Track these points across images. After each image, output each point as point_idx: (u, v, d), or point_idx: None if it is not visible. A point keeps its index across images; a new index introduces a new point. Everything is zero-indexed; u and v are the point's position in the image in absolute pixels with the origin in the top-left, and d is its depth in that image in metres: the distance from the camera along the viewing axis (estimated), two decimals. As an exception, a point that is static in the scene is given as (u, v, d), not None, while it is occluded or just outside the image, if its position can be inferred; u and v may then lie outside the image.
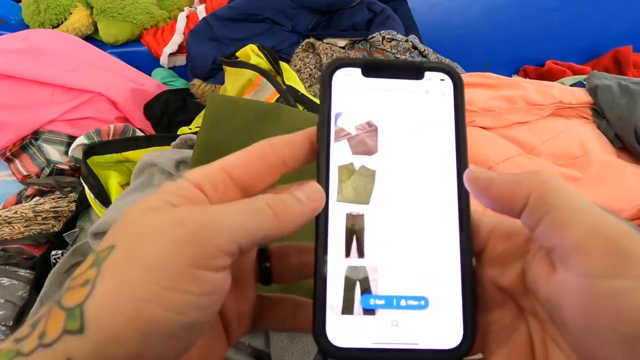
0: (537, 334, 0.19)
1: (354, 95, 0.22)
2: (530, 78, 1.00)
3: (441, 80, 0.22)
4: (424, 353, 0.20)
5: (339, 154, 0.21)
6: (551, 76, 0.97)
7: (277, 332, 0.46)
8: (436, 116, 0.22)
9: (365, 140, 0.21)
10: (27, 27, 1.04)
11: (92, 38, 1.07)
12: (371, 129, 0.21)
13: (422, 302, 0.20)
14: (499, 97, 0.63)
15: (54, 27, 1.04)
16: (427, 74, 0.22)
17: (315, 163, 0.21)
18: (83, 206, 0.66)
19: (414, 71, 0.22)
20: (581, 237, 0.16)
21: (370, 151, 0.21)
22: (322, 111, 0.21)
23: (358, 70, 0.22)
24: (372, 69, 0.22)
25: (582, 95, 0.64)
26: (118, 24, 1.03)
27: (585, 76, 0.73)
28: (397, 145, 0.21)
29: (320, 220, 0.20)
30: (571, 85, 0.71)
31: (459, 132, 0.22)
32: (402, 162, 0.21)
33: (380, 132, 0.21)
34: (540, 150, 0.60)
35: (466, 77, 0.68)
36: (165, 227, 0.16)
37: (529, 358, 0.19)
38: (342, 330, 0.19)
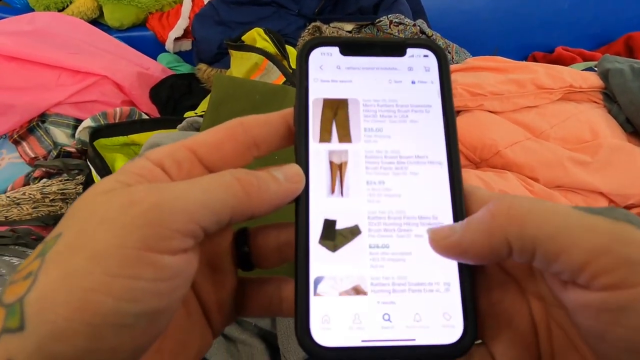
0: (541, 317, 0.18)
1: (332, 75, 0.20)
2: (540, 63, 0.98)
3: (424, 56, 0.21)
4: (422, 349, 0.18)
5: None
6: (561, 62, 0.95)
7: (263, 318, 0.45)
8: (421, 93, 0.21)
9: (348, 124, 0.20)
10: (32, 10, 1.04)
11: (97, 22, 1.07)
12: (353, 109, 0.20)
13: (420, 291, 0.18)
14: (508, 81, 0.62)
15: (59, 11, 1.03)
16: (410, 50, 0.21)
17: (293, 147, 0.20)
18: (90, 188, 0.66)
19: (395, 48, 0.21)
20: (579, 262, 0.15)
21: (352, 137, 0.20)
22: (299, 93, 0.20)
23: (336, 49, 0.21)
24: (351, 47, 0.21)
25: (593, 79, 0.63)
26: (123, 8, 1.02)
27: (595, 62, 0.72)
28: (381, 127, 0.20)
29: (301, 208, 0.19)
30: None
31: (446, 109, 0.20)
32: (388, 144, 0.20)
33: (363, 114, 0.20)
34: (549, 135, 0.59)
35: (475, 60, 0.67)
36: (115, 210, 0.15)
37: (532, 343, 0.18)
38: (327, 327, 0.18)
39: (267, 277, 0.22)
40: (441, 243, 0.17)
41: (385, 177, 0.20)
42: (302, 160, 0.19)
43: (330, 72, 0.21)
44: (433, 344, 0.18)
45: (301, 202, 0.19)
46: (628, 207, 0.58)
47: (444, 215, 0.19)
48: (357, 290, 0.18)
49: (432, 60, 0.21)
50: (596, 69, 0.66)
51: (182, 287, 0.16)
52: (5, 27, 0.82)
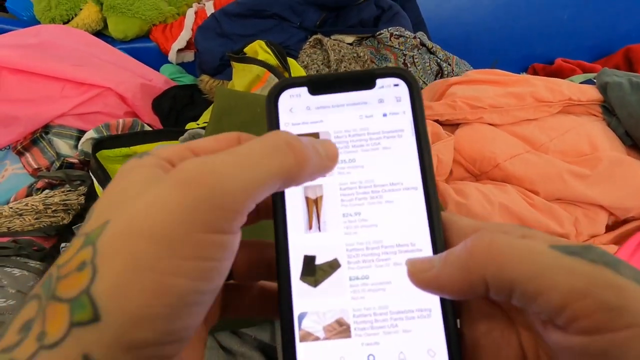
0: (530, 347, 0.18)
1: (303, 117, 0.20)
2: (539, 76, 0.99)
3: (395, 85, 0.21)
4: None
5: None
6: (560, 74, 0.96)
7: (243, 318, 0.44)
8: (394, 125, 0.20)
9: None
10: (38, 22, 1.05)
11: (101, 34, 1.08)
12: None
13: (403, 333, 0.18)
14: (507, 94, 0.62)
15: (64, 23, 1.05)
16: (379, 81, 0.21)
17: None
18: (92, 199, 0.67)
19: (363, 80, 0.20)
20: (557, 304, 0.14)
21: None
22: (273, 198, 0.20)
23: (304, 89, 0.20)
24: (318, 85, 0.21)
25: (591, 92, 0.64)
26: (127, 20, 1.03)
27: (595, 74, 0.73)
28: (354, 157, 0.20)
29: (280, 247, 0.19)
30: (581, 83, 0.70)
31: (420, 138, 0.20)
32: (361, 174, 0.20)
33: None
34: (548, 148, 0.59)
35: (474, 73, 0.67)
36: (170, 192, 0.15)
37: None
38: None
39: (250, 284, 0.22)
40: (419, 277, 0.17)
41: (361, 208, 0.20)
42: (278, 198, 0.19)
43: (300, 114, 0.20)
44: None
45: (280, 241, 0.19)
46: (628, 220, 0.58)
47: (422, 242, 0.19)
48: (340, 323, 0.19)
49: (402, 89, 0.21)
50: (595, 81, 0.67)
51: (231, 262, 0.16)
52: (11, 40, 0.83)
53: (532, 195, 0.56)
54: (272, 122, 0.20)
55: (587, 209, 0.56)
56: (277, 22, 0.94)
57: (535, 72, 1.06)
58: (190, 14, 1.06)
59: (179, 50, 1.05)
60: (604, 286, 0.14)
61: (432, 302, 0.19)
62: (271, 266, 0.20)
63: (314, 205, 0.20)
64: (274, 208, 0.20)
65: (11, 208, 0.64)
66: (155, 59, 1.05)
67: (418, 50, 0.86)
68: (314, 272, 0.19)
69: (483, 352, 0.18)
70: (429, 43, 0.86)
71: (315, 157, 0.17)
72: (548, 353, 0.17)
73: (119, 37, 1.05)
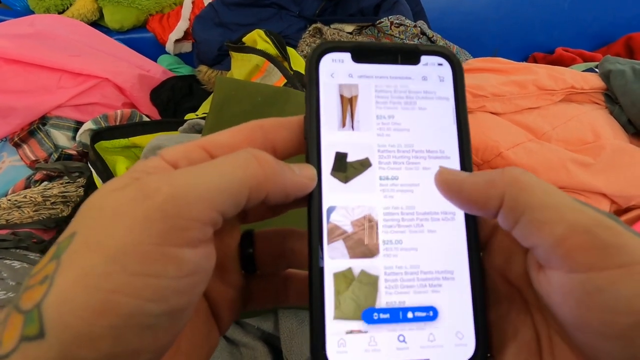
0: (543, 328, 0.18)
1: (343, 83, 0.20)
2: (541, 64, 0.98)
3: (439, 64, 0.21)
4: None
5: (330, 150, 0.19)
6: (561, 63, 0.95)
7: (268, 308, 0.45)
8: (435, 104, 0.20)
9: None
10: (32, 13, 1.04)
11: (97, 24, 1.07)
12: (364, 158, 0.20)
13: (431, 313, 0.18)
14: (510, 82, 0.62)
15: (59, 13, 1.03)
16: (424, 58, 0.20)
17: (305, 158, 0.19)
18: (91, 191, 0.66)
19: (408, 55, 0.20)
20: (560, 235, 0.15)
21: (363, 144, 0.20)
22: (309, 102, 0.19)
23: (347, 55, 0.20)
24: (363, 53, 0.20)
25: (594, 81, 0.63)
26: (123, 10, 1.02)
27: (596, 63, 0.72)
28: (393, 136, 0.20)
29: (314, 218, 0.18)
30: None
31: (460, 122, 0.20)
32: (399, 154, 0.20)
33: (378, 124, 0.20)
34: (551, 136, 0.59)
35: (476, 62, 0.67)
36: (128, 205, 0.14)
37: (536, 354, 0.18)
38: (344, 349, 0.17)
39: (271, 274, 0.22)
40: (445, 177, 0.18)
41: (394, 112, 0.20)
42: (314, 156, 0.19)
43: (341, 79, 0.20)
44: None
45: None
46: (630, 208, 0.58)
47: (451, 151, 0.20)
48: (369, 220, 0.19)
49: (446, 70, 0.21)
50: (597, 69, 0.66)
51: (202, 283, 0.16)
52: (5, 30, 0.82)
53: (534, 184, 0.56)
54: (312, 84, 0.19)
55: (589, 197, 0.56)
56: (275, 10, 0.93)
57: (535, 62, 1.05)
58: (187, 4, 1.05)
59: (177, 41, 1.04)
60: (605, 227, 0.15)
61: (464, 291, 0.19)
62: (295, 254, 0.20)
63: (348, 103, 0.20)
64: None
65: (9, 200, 0.64)
66: (152, 49, 1.04)
67: (418, 39, 0.85)
68: (345, 168, 0.19)
69: (501, 333, 0.19)
70: (429, 32, 0.85)
71: (288, 172, 0.17)
72: (560, 333, 0.17)
73: (115, 28, 1.03)
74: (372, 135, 0.20)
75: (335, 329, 0.18)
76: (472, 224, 0.19)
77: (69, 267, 0.14)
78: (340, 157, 0.19)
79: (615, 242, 0.15)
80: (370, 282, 0.18)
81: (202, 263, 0.15)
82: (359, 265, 0.18)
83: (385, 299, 0.18)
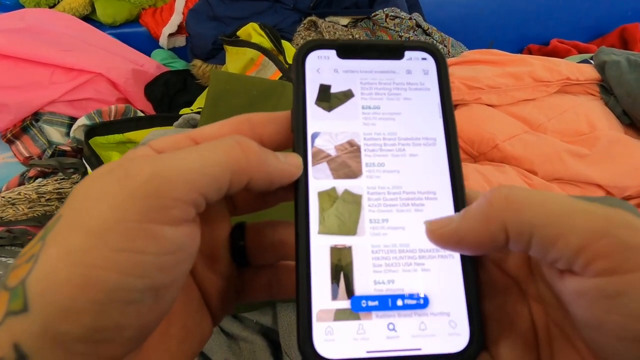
0: (540, 319, 0.18)
1: (330, 79, 0.21)
2: (537, 55, 0.98)
3: (423, 59, 0.21)
4: (428, 359, 0.17)
5: (316, 144, 0.19)
6: (556, 55, 0.95)
7: (262, 300, 0.45)
8: (420, 97, 0.21)
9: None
10: (22, 7, 1.02)
11: (89, 19, 1.05)
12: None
13: (422, 301, 0.18)
14: (505, 74, 0.62)
15: (50, 8, 1.02)
16: (408, 53, 0.21)
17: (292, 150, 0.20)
18: (86, 187, 0.66)
19: (392, 50, 0.21)
20: (576, 245, 0.14)
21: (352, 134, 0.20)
22: (296, 97, 0.20)
23: (333, 52, 0.21)
24: (348, 50, 0.21)
25: (589, 72, 0.63)
26: (116, 4, 1.01)
27: (591, 54, 0.72)
28: (380, 128, 0.20)
29: (300, 205, 0.18)
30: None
31: (446, 114, 0.20)
32: (386, 147, 0.20)
33: (362, 120, 0.20)
34: (546, 127, 0.59)
35: (471, 53, 0.67)
36: (112, 185, 0.15)
37: (533, 346, 0.18)
38: (331, 338, 0.17)
39: (264, 267, 0.22)
40: (438, 232, 0.17)
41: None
42: (301, 146, 0.19)
43: (327, 75, 0.21)
44: (439, 353, 0.17)
45: (300, 203, 0.19)
46: (625, 199, 0.58)
47: (437, 134, 0.20)
48: (351, 144, 0.20)
49: (430, 64, 0.21)
50: (592, 61, 0.66)
51: (185, 262, 0.16)
52: (-5, 25, 0.80)
53: (530, 176, 0.56)
54: (299, 80, 0.20)
55: (584, 189, 0.57)
56: (270, 4, 0.92)
57: (530, 53, 1.05)
58: (180, -3, 1.04)
59: (170, 35, 1.03)
60: (622, 226, 0.14)
61: (456, 282, 0.19)
62: (286, 246, 0.20)
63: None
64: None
65: (3, 197, 0.63)
66: (145, 44, 1.03)
67: (414, 32, 0.85)
68: (328, 98, 0.20)
69: (497, 325, 0.18)
70: (424, 24, 0.85)
71: (273, 159, 0.17)
72: (558, 323, 0.17)
73: (107, 22, 1.02)
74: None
75: (319, 242, 0.18)
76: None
77: (52, 245, 0.14)
78: (324, 89, 0.20)
79: (634, 242, 0.14)
80: (354, 200, 0.19)
81: (185, 242, 0.16)
82: (342, 185, 0.19)
83: (373, 277, 0.18)
